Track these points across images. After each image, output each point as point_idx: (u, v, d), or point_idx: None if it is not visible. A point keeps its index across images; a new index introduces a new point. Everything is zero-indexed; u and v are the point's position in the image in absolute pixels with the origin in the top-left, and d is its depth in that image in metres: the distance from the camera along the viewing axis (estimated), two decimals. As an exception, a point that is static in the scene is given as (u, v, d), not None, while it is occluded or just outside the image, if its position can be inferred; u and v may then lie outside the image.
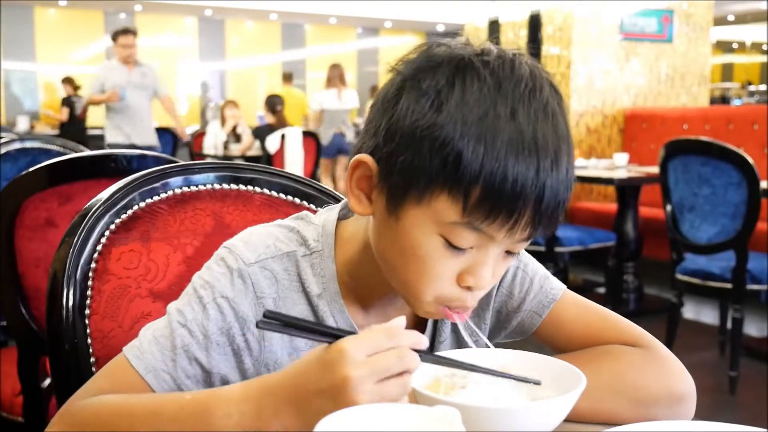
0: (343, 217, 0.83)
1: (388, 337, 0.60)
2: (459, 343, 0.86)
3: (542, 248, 3.93)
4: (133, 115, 5.56)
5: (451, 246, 0.69)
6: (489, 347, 0.81)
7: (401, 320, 0.63)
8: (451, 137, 0.66)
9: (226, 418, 0.63)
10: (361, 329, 0.79)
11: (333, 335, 0.62)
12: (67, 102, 9.95)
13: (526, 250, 0.87)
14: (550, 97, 0.69)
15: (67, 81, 10.16)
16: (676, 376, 0.79)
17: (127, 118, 5.55)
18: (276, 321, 0.60)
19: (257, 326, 0.61)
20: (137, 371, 0.73)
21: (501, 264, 0.73)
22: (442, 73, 0.69)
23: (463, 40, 0.73)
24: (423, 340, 0.62)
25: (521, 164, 0.66)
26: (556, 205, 0.68)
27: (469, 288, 0.71)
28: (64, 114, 9.85)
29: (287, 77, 9.67)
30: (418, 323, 0.84)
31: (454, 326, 0.85)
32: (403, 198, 0.70)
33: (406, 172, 0.69)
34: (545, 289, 0.85)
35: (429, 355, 0.65)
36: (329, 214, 0.83)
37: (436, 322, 0.85)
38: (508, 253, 0.72)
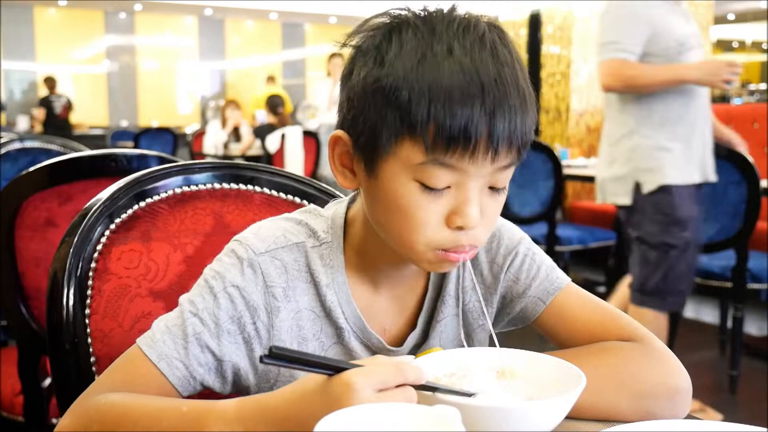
0: (351, 208, 0.85)
1: (396, 373, 0.61)
2: (459, 326, 0.87)
3: (543, 247, 3.93)
4: None
5: (428, 188, 0.71)
6: (492, 333, 0.83)
7: (409, 357, 0.65)
8: (395, 85, 0.70)
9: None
10: (369, 319, 0.81)
11: (338, 368, 0.61)
12: (44, 102, 9.97)
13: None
14: (487, 30, 0.72)
15: (47, 81, 10.20)
16: (672, 370, 0.80)
17: None
18: (280, 357, 0.60)
19: (261, 361, 0.61)
20: (150, 360, 0.74)
21: (488, 201, 0.74)
22: (381, 32, 0.74)
23: (402, 4, 0.76)
24: (422, 378, 0.63)
25: (465, 96, 0.68)
26: (511, 126, 0.70)
27: (459, 228, 0.73)
28: (41, 114, 9.87)
29: (270, 79, 9.84)
30: (418, 302, 0.86)
31: (457, 308, 0.86)
32: (374, 156, 0.73)
33: (369, 130, 0.73)
34: (551, 277, 0.87)
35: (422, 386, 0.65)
36: (338, 206, 0.85)
37: (435, 302, 0.86)
38: (493, 189, 0.74)
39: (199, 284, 0.79)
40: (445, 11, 0.74)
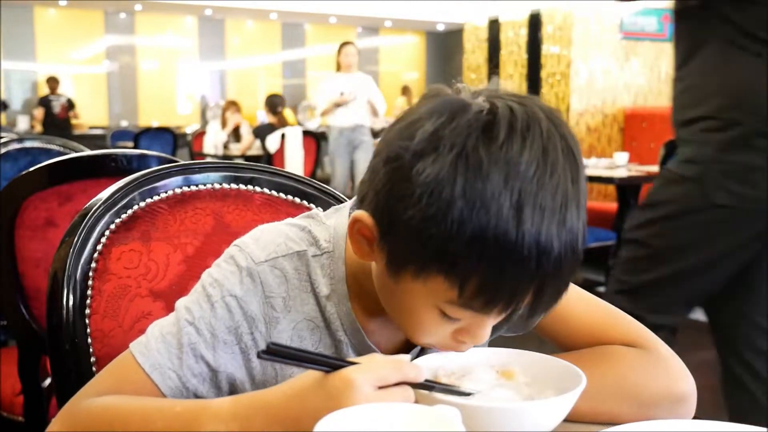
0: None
1: (395, 370, 0.61)
2: None
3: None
4: None
5: (447, 316, 0.69)
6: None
7: (407, 356, 0.64)
8: (449, 230, 0.62)
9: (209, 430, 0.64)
10: (369, 330, 0.80)
11: (336, 365, 0.62)
12: (43, 102, 9.97)
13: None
14: (562, 171, 0.64)
15: (50, 80, 10.20)
16: (677, 377, 0.79)
17: None
18: (278, 353, 0.60)
19: (258, 357, 0.61)
20: (143, 368, 0.73)
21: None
22: (441, 162, 0.63)
23: (477, 104, 0.66)
24: (421, 376, 0.63)
25: (519, 268, 0.62)
26: (556, 295, 0.67)
27: (465, 342, 0.72)
28: (39, 114, 9.87)
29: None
30: None
31: None
32: (400, 269, 0.68)
33: (403, 248, 0.67)
34: None
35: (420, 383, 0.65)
36: (341, 215, 0.82)
37: None
38: None
39: (197, 290, 0.77)
40: (522, 137, 0.63)
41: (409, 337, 0.75)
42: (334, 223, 0.81)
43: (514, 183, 0.62)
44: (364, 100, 5.85)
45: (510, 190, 0.62)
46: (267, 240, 0.79)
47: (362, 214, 0.70)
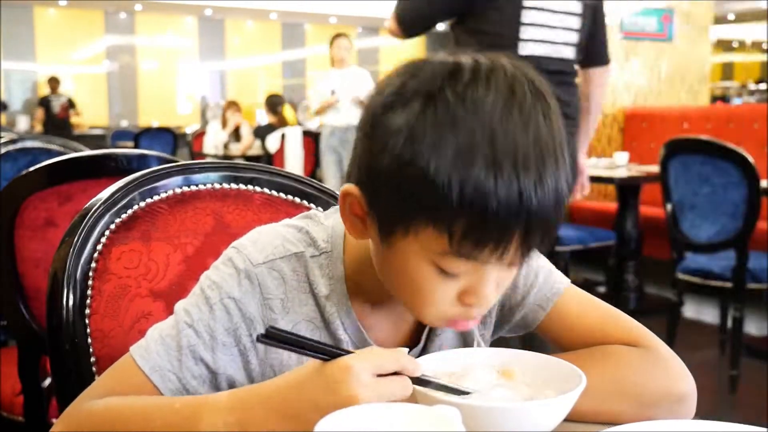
0: None
1: (393, 361, 0.62)
2: (458, 340, 0.86)
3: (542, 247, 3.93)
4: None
5: (445, 272, 0.68)
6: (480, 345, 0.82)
7: (404, 349, 0.64)
8: (426, 174, 0.63)
9: (212, 427, 0.64)
10: (369, 329, 0.80)
11: (333, 354, 0.62)
12: (43, 102, 9.97)
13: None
14: (532, 107, 0.65)
15: (51, 81, 10.20)
16: (677, 376, 0.79)
17: None
18: (276, 337, 0.61)
19: (257, 341, 0.61)
20: (143, 371, 0.73)
21: (505, 275, 0.71)
22: (412, 108, 0.65)
23: (440, 56, 0.69)
24: (418, 369, 0.64)
25: (501, 191, 0.62)
26: (546, 224, 0.66)
27: (471, 305, 0.70)
28: (39, 114, 9.88)
29: None
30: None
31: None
32: (391, 230, 0.69)
33: (389, 207, 0.68)
34: (549, 282, 0.85)
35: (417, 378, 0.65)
36: (337, 215, 0.82)
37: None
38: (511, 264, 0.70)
39: (195, 293, 0.77)
40: (487, 79, 0.65)
41: (416, 314, 0.74)
42: (332, 223, 0.82)
43: (483, 122, 0.63)
44: (357, 99, 5.65)
45: (480, 128, 0.63)
46: (264, 242, 0.79)
47: (350, 186, 0.72)
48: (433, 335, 0.84)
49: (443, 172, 0.63)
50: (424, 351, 0.84)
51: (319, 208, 0.88)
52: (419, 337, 0.84)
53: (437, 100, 0.65)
